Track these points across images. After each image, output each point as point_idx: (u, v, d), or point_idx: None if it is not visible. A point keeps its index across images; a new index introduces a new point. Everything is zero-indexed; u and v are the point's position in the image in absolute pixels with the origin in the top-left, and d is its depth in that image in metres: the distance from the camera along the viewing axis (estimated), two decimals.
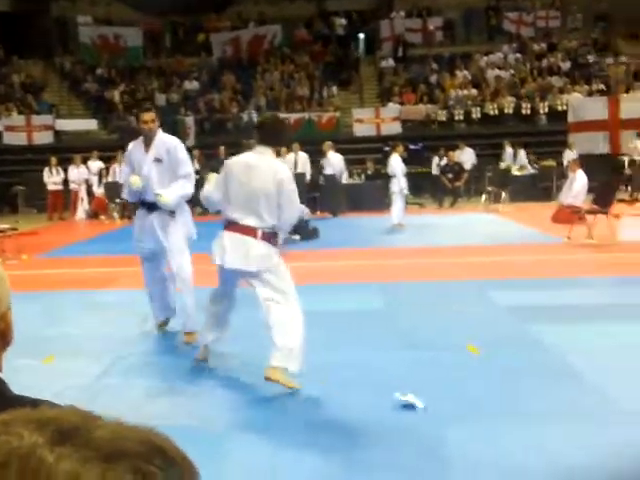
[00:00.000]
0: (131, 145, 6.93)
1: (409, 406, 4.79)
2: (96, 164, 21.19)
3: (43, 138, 23.85)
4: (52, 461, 0.58)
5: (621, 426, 4.38)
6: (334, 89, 26.28)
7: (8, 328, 1.53)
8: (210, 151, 20.42)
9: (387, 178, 16.13)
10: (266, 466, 4.10)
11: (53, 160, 20.72)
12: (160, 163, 6.60)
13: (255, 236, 5.22)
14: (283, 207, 5.23)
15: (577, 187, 12.16)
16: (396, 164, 15.17)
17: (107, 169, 20.76)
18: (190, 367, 5.97)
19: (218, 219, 5.65)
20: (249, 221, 5.22)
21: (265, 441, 4.41)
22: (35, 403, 1.42)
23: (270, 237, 5.25)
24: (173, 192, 6.54)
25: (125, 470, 0.59)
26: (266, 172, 5.22)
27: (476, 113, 24.32)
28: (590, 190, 12.50)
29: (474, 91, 25.09)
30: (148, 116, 6.66)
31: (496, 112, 24.24)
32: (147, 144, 6.70)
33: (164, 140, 6.73)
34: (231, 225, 5.31)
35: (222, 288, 5.63)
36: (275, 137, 5.45)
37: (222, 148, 20.22)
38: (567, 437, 4.21)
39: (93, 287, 9.61)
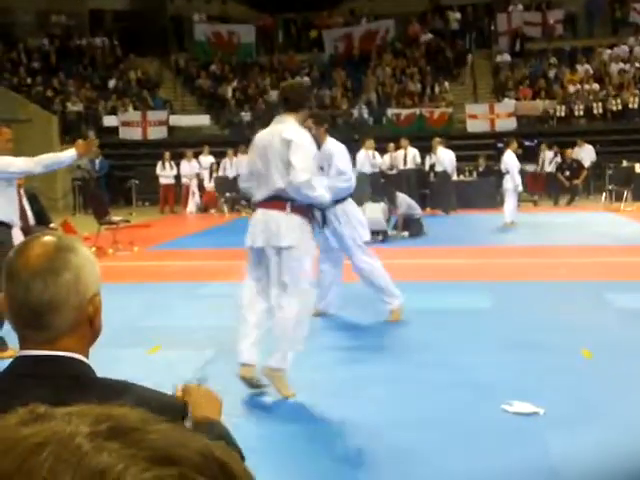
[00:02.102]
0: None
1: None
2: (207, 159, 21.49)
3: (157, 133, 24.37)
4: (88, 450, 0.56)
5: None
6: (446, 84, 25.78)
7: (97, 313, 1.55)
8: None
9: (500, 175, 15.67)
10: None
11: (166, 155, 21.12)
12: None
13: (284, 209, 4.96)
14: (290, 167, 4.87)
15: None
16: (510, 160, 14.76)
17: (218, 164, 21.02)
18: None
19: None
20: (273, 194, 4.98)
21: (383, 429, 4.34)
22: (125, 387, 1.54)
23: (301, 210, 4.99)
24: None
25: (171, 477, 0.56)
26: (277, 136, 4.98)
27: (598, 109, 23.33)
28: None
29: (596, 86, 24.10)
30: None
31: (619, 107, 23.19)
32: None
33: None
34: (259, 203, 5.09)
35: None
36: (294, 102, 5.15)
37: None
38: None
39: (201, 279, 9.66)
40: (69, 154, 5.97)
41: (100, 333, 1.57)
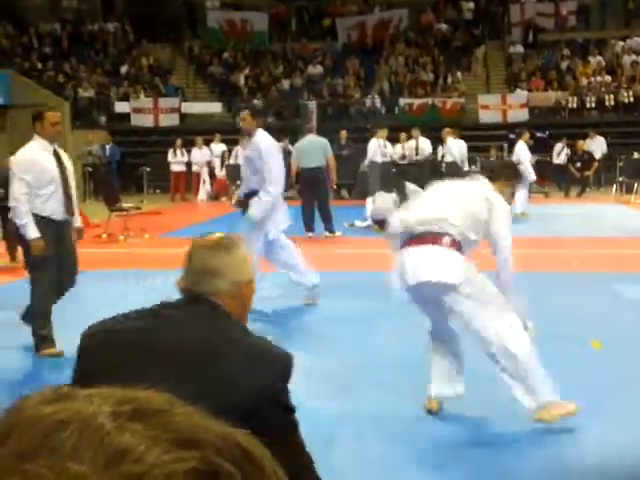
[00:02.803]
0: None
1: None
2: (219, 147, 21.52)
3: (169, 120, 24.40)
4: (110, 429, 0.56)
5: None
6: (459, 75, 25.72)
7: (251, 297, 2.12)
8: (332, 136, 20.36)
9: None
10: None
11: (178, 142, 21.16)
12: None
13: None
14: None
15: None
16: (522, 151, 14.76)
17: (229, 152, 21.04)
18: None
19: None
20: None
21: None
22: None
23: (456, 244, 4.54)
24: None
25: (194, 459, 0.55)
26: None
27: (609, 100, 23.26)
28: None
29: (608, 78, 24.02)
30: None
31: (631, 99, 23.13)
32: None
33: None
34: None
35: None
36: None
37: (343, 132, 20.14)
38: None
39: None
40: (29, 231, 5.72)
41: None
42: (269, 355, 1.93)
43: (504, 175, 4.85)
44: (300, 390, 4.80)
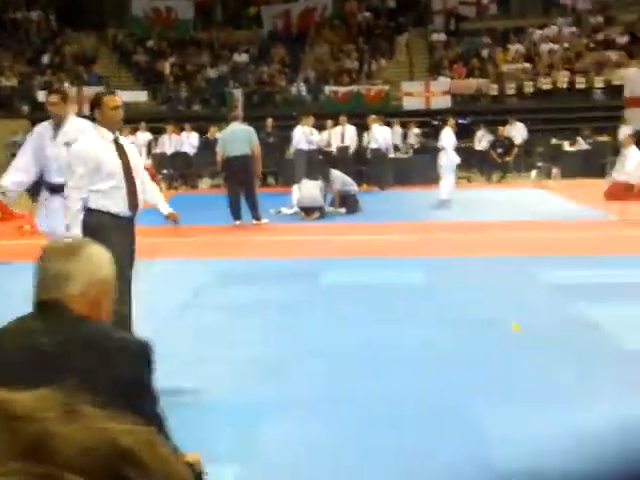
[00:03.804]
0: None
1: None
2: (144, 135, 21.31)
3: None
4: None
5: None
6: (383, 62, 26.05)
7: (106, 296, 2.19)
8: (258, 124, 20.43)
9: (435, 152, 15.95)
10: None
11: None
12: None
13: None
14: None
15: (631, 164, 11.89)
16: (447, 137, 15.00)
17: (155, 140, 20.90)
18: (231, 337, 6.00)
19: None
20: None
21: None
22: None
23: None
24: None
25: (35, 476, 0.53)
26: None
27: (528, 87, 23.90)
28: None
29: (527, 65, 24.65)
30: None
31: (549, 87, 23.80)
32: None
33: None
34: None
35: None
36: None
37: (269, 120, 20.21)
38: (608, 422, 4.10)
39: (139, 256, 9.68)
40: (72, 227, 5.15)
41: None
42: (126, 347, 2.09)
43: None
44: (228, 378, 4.97)
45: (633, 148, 12.09)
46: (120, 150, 5.20)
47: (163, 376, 4.88)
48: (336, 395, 4.70)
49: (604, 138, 20.26)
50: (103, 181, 5.10)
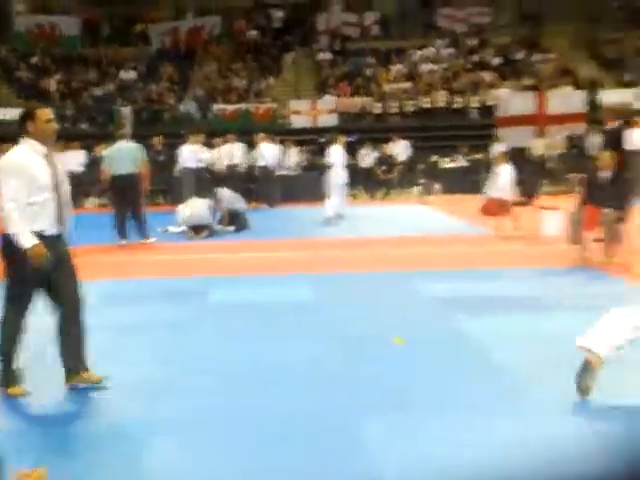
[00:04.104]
0: None
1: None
2: None
3: None
4: None
5: (534, 417, 4.50)
6: (271, 80, 26.39)
7: None
8: (146, 141, 20.35)
9: (324, 169, 16.22)
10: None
11: None
12: None
13: None
14: None
15: (502, 181, 12.53)
16: (335, 154, 15.26)
17: None
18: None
19: None
20: None
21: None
22: None
23: None
24: None
25: None
26: None
27: (410, 106, 24.72)
28: (517, 183, 12.87)
29: (408, 85, 25.48)
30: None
31: (429, 106, 24.68)
32: None
33: None
34: None
35: None
36: None
37: (157, 139, 20.18)
38: (484, 427, 4.32)
39: None
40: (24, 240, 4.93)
41: None
42: None
43: None
44: (118, 398, 5.04)
45: (505, 166, 12.75)
46: (51, 164, 5.10)
47: (51, 399, 4.98)
48: (226, 413, 4.72)
49: (479, 156, 21.17)
50: (36, 194, 4.97)
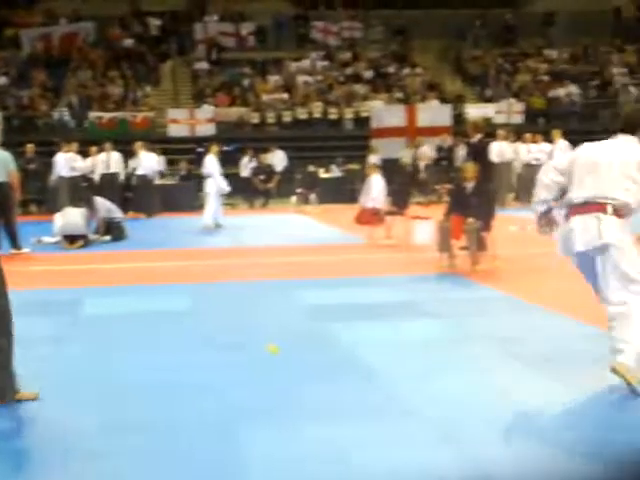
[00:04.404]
0: None
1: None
2: None
3: None
4: None
5: (404, 422, 4.61)
6: (148, 89, 26.18)
7: None
8: (18, 149, 19.83)
9: (201, 179, 16.28)
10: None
11: None
12: None
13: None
14: None
15: (375, 191, 12.96)
16: (211, 164, 15.36)
17: None
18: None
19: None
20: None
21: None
22: None
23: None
24: None
25: None
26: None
27: (287, 117, 25.09)
28: (389, 193, 13.33)
29: (285, 96, 25.83)
30: None
31: (306, 116, 25.13)
32: None
33: None
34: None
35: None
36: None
37: (30, 146, 19.73)
38: (356, 434, 4.38)
39: None
40: None
41: None
42: None
43: None
44: None
45: (376, 176, 13.20)
46: None
47: None
48: (99, 427, 4.62)
49: (354, 166, 21.73)
50: None
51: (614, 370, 4.91)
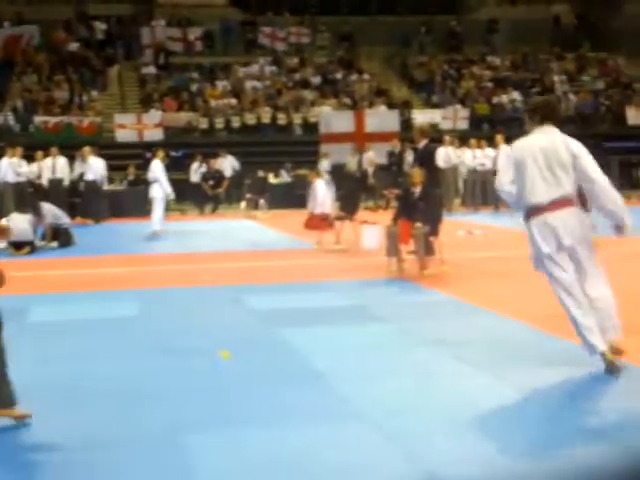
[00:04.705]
0: None
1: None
2: None
3: None
4: None
5: (353, 425, 4.63)
6: (94, 93, 25.92)
7: None
8: None
9: (148, 184, 16.19)
10: None
11: None
12: None
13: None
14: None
15: (320, 196, 13.07)
16: (157, 169, 15.31)
17: None
18: None
19: None
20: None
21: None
22: None
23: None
24: None
25: None
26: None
27: (236, 122, 25.06)
28: (338, 198, 13.44)
29: (234, 101, 25.81)
30: None
31: (254, 122, 25.13)
32: None
33: None
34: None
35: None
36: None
37: None
38: (307, 438, 4.42)
39: None
40: None
41: None
42: None
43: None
44: None
45: (318, 181, 13.33)
46: None
47: None
48: (46, 437, 4.60)
49: (304, 171, 21.80)
50: None
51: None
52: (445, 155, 19.14)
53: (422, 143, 11.07)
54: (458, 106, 26.46)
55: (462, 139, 21.29)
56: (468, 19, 31.97)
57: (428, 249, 10.04)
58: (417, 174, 10.20)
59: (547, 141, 5.37)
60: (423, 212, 9.94)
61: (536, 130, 5.48)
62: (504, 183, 5.63)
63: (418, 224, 9.83)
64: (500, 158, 16.66)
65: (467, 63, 29.82)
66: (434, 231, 10.01)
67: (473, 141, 20.77)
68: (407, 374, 5.73)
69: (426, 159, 10.85)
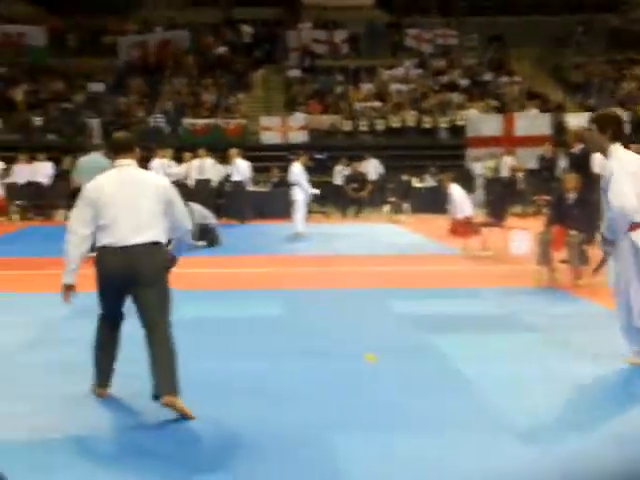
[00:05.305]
0: None
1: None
2: None
3: None
4: None
5: (498, 434, 4.51)
6: (240, 96, 26.46)
7: None
8: None
9: (290, 186, 16.27)
10: None
11: None
12: None
13: None
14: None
15: (456, 201, 12.74)
16: (298, 172, 15.41)
17: (7, 169, 20.32)
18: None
19: None
20: None
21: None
22: None
23: None
24: None
25: None
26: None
27: (380, 125, 24.92)
28: (486, 204, 13.07)
29: (378, 103, 25.69)
30: None
31: (399, 125, 24.90)
32: None
33: None
34: None
35: None
36: None
37: None
38: (458, 448, 4.31)
39: None
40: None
41: None
42: None
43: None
44: None
45: (453, 185, 12.99)
46: None
47: None
48: (194, 432, 4.66)
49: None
50: None
51: None
52: (601, 161, 18.18)
53: (577, 147, 10.58)
54: (617, 109, 25.18)
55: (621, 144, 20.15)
56: (631, 17, 30.46)
57: (583, 258, 9.56)
58: (572, 179, 9.78)
59: None
60: (578, 219, 9.49)
61: None
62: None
63: (572, 232, 9.38)
64: None
65: (629, 63, 28.34)
66: (589, 239, 9.52)
67: (634, 146, 19.64)
68: (560, 387, 5.46)
69: (582, 164, 10.37)
